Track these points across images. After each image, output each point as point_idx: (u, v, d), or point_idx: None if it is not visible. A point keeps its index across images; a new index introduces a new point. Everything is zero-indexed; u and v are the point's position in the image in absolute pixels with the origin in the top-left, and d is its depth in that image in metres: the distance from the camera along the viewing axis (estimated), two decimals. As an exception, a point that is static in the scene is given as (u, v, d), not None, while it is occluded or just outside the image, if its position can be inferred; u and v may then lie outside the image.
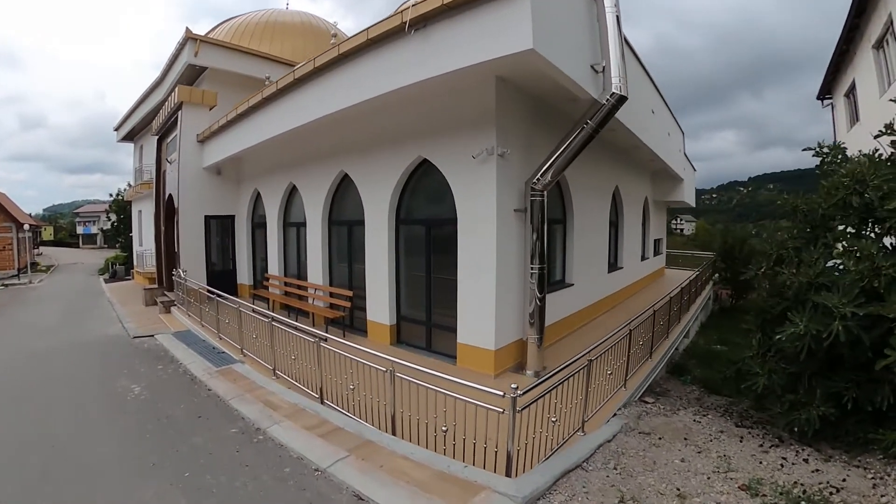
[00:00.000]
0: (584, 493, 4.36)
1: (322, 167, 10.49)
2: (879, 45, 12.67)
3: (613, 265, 13.29)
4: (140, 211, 22.26)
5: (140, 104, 20.69)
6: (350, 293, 9.92)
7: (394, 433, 5.28)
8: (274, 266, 12.90)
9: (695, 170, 23.23)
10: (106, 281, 21.92)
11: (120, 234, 29.57)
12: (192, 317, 11.16)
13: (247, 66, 14.97)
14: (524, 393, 4.34)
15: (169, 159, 14.68)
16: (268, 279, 13.03)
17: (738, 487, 4.61)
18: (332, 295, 10.54)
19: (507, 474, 4.38)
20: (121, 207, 29.45)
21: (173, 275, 12.49)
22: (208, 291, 10.15)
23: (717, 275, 21.37)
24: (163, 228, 15.19)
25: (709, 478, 4.83)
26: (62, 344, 10.28)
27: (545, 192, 7.21)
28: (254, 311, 8.23)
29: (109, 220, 32.66)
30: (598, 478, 4.66)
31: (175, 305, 12.62)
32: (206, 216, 14.08)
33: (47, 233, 61.61)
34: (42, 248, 47.88)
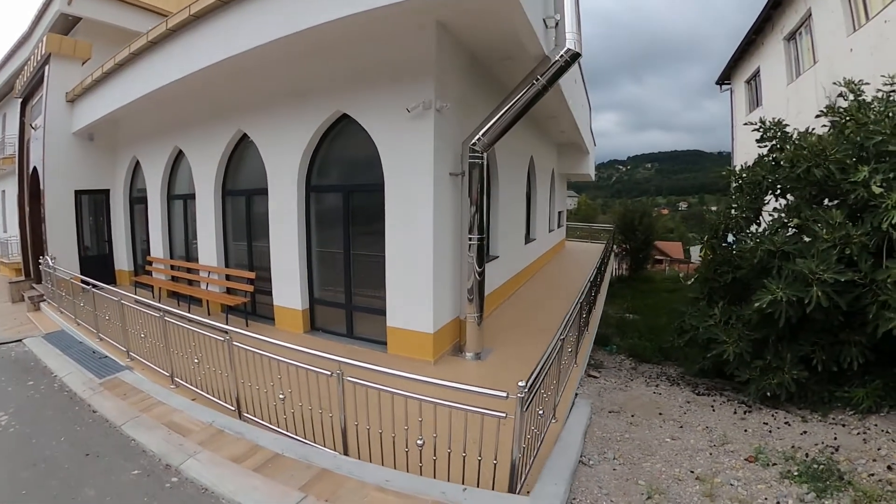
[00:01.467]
0: (606, 495, 3.80)
1: (215, 127, 8.57)
2: (792, 37, 13.43)
3: (528, 236, 12.70)
4: (3, 191, 18.45)
5: (3, 65, 16.84)
6: (252, 275, 8.23)
7: (346, 452, 3.98)
8: (158, 247, 10.67)
9: (595, 144, 23.42)
10: (-32, 275, 18.06)
11: (-16, 221, 24.66)
12: (64, 313, 8.91)
13: (128, 19, 12.35)
14: (529, 389, 3.31)
15: (33, 125, 11.77)
16: (151, 263, 10.78)
17: (746, 460, 4.43)
18: (229, 278, 8.79)
19: (511, 489, 3.44)
20: (-17, 190, 24.53)
21: (41, 264, 9.98)
22: (82, 281, 8.03)
23: (614, 246, 21.83)
24: (27, 209, 12.26)
25: (710, 454, 4.61)
26: None
27: (485, 155, 6.22)
28: (138, 302, 6.38)
29: (-29, 204, 27.16)
30: (606, 472, 4.18)
31: (45, 300, 10.15)
32: (76, 191, 11.42)
33: None
34: None
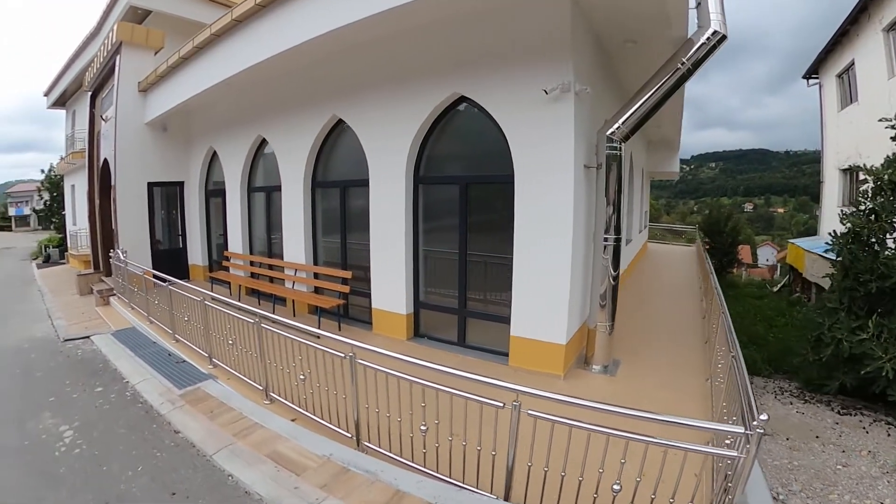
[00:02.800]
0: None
1: (306, 113, 7.55)
2: (892, 27, 11.87)
3: (626, 238, 11.43)
4: (73, 185, 18.21)
5: (73, 61, 16.54)
6: (349, 274, 7.16)
7: (507, 498, 3.06)
8: (237, 242, 9.72)
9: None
10: (39, 266, 17.86)
11: (54, 214, 24.86)
12: (135, 309, 8.10)
13: (200, 12, 11.65)
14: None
15: (104, 116, 11.12)
16: (228, 259, 9.84)
17: (930, 487, 4.10)
18: (317, 276, 7.79)
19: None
20: (54, 184, 24.71)
21: (111, 257, 9.30)
22: (155, 276, 7.21)
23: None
24: (97, 202, 11.63)
25: (888, 481, 4.29)
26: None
27: (622, 146, 5.26)
28: (227, 304, 5.37)
29: (42, 198, 27.53)
30: (802, 509, 3.82)
31: (115, 295, 9.45)
32: (149, 183, 10.62)
33: (-24, 216, 54.04)
34: (-29, 234, 41.18)
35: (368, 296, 6.98)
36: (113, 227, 10.46)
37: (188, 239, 11.54)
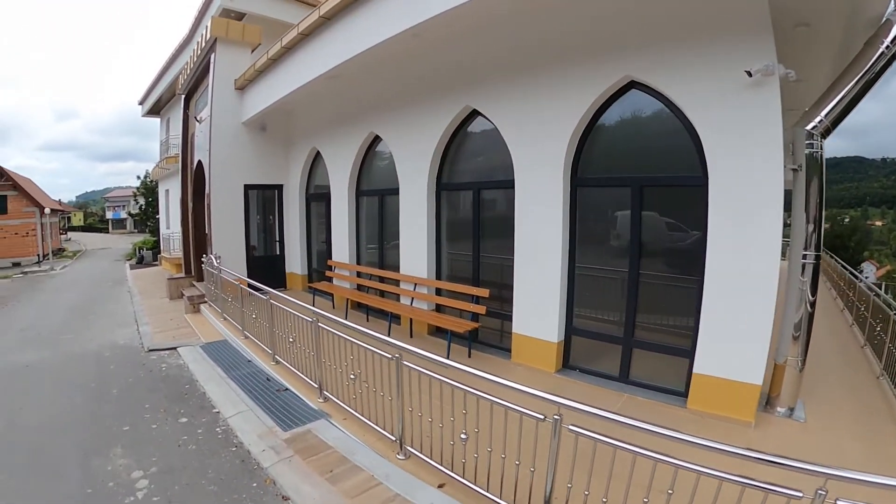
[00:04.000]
0: None
1: (430, 104, 6.50)
2: None
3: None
4: (167, 190, 18.44)
5: (166, 70, 16.75)
6: (486, 293, 5.99)
7: None
8: (342, 250, 8.73)
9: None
10: (132, 267, 18.34)
11: (149, 218, 25.94)
12: (228, 320, 7.39)
13: (294, 12, 11.10)
14: None
15: (199, 118, 10.73)
16: (332, 268, 8.92)
17: None
18: (440, 292, 6.75)
19: None
20: (149, 189, 25.77)
21: (203, 262, 8.76)
22: (251, 286, 6.43)
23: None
24: (190, 205, 11.26)
25: None
26: (54, 358, 6.72)
27: (822, 144, 4.14)
28: (343, 327, 4.27)
29: (137, 203, 28.91)
30: None
31: (206, 302, 8.88)
32: (245, 186, 9.94)
33: (77, 218, 58.67)
34: (71, 234, 44.51)
35: (505, 318, 5.86)
36: (206, 231, 9.97)
37: (286, 246, 10.80)
